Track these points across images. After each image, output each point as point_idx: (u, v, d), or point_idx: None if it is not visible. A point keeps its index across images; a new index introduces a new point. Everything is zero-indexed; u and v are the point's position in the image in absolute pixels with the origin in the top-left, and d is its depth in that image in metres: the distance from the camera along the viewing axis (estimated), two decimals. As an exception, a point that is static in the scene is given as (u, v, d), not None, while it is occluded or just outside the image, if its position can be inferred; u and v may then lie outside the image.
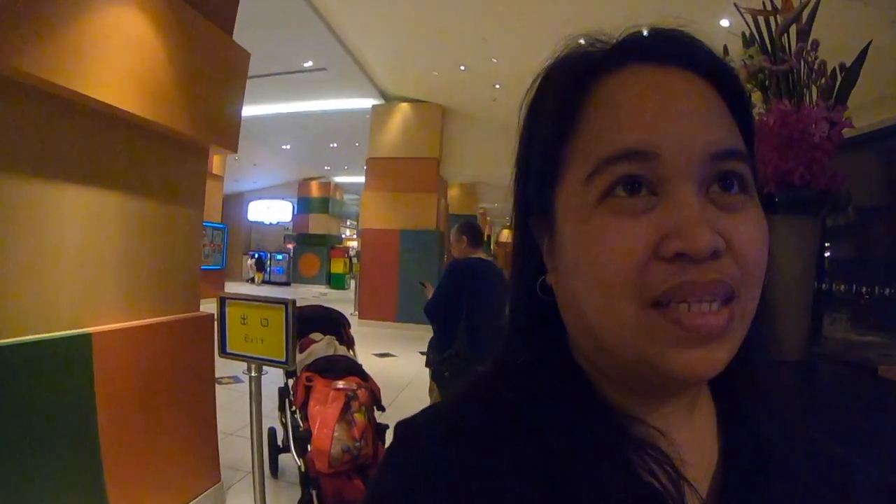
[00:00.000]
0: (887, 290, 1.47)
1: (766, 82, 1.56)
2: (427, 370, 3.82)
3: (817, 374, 1.67)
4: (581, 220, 0.44)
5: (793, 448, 0.51)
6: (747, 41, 1.66)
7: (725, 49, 1.77)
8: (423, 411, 0.52)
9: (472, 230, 3.74)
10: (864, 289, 1.60)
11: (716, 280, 0.40)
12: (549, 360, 0.50)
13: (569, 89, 0.47)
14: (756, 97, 1.61)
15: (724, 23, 4.94)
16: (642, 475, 0.44)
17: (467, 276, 3.54)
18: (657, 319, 0.41)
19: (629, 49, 0.47)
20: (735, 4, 1.72)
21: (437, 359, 3.56)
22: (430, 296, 3.74)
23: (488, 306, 3.34)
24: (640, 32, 0.48)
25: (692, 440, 0.48)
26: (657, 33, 0.47)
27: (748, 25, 1.65)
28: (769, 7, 1.63)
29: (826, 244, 1.74)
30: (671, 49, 0.46)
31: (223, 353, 2.67)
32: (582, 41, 0.50)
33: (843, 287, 1.62)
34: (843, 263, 1.75)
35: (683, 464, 0.45)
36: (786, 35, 1.59)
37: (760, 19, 1.64)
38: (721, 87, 0.46)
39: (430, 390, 3.70)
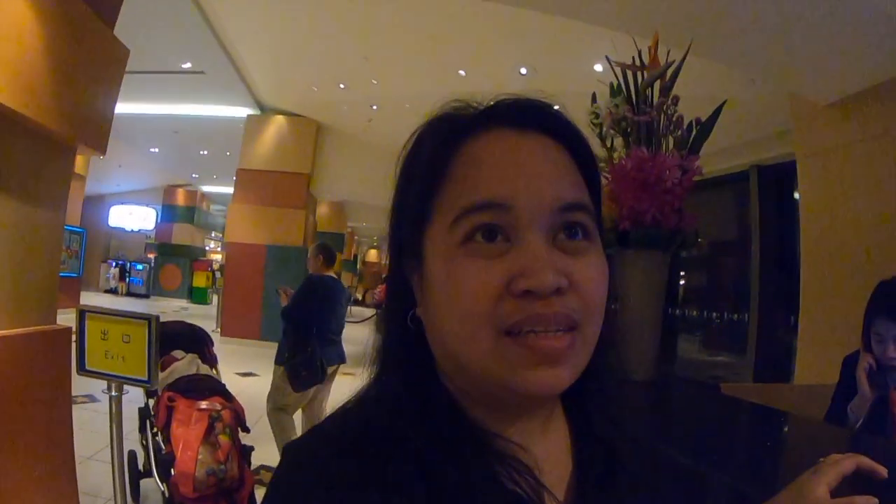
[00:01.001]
0: (735, 315, 1.67)
1: (629, 129, 1.71)
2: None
3: (667, 393, 1.85)
4: (446, 260, 0.50)
5: (638, 457, 0.59)
6: (614, 91, 1.79)
7: (594, 97, 1.92)
8: (309, 433, 0.56)
9: (327, 251, 4.37)
10: (714, 314, 1.81)
11: (558, 313, 0.46)
12: (420, 384, 0.55)
13: (439, 147, 0.54)
14: (618, 142, 1.77)
15: (598, 68, 5.32)
16: (506, 484, 0.50)
17: (321, 290, 4.18)
18: (510, 346, 0.47)
19: (493, 115, 0.54)
20: (606, 57, 1.88)
21: (291, 360, 3.95)
22: (284, 302, 4.29)
23: (336, 317, 4.23)
24: (506, 101, 0.56)
25: (548, 452, 0.56)
26: (519, 103, 0.54)
27: (616, 77, 1.80)
28: (638, 62, 1.80)
29: (682, 273, 1.95)
30: (530, 117, 0.53)
31: (81, 370, 2.48)
32: (456, 104, 0.57)
33: (695, 312, 1.82)
34: (698, 291, 1.96)
35: (542, 472, 0.52)
36: (650, 88, 1.76)
37: (629, 72, 1.80)
38: (573, 150, 0.55)
39: (278, 389, 4.02)
